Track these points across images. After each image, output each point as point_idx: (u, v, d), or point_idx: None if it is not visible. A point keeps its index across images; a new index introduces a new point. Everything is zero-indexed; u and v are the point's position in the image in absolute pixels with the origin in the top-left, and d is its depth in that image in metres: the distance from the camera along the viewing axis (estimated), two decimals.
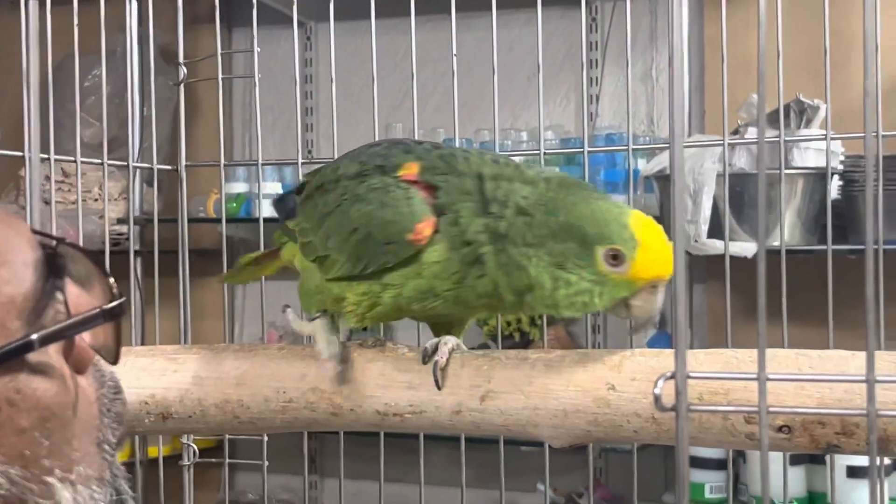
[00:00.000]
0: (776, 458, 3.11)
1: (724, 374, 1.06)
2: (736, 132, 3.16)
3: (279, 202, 1.60)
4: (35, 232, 0.84)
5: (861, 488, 2.95)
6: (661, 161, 3.15)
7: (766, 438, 0.87)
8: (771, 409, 0.91)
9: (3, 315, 0.78)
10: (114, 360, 0.86)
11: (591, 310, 1.27)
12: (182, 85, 1.97)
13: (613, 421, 1.29)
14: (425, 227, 1.31)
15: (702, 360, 1.26)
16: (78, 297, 0.83)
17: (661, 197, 3.12)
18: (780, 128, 2.64)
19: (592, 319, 3.70)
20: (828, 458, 3.01)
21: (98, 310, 0.82)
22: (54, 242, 0.85)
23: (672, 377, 0.94)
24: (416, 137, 3.68)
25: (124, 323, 0.86)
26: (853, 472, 2.94)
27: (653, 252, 1.24)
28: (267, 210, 3.62)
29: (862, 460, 2.92)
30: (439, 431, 1.39)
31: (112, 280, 0.84)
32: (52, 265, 0.82)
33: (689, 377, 0.94)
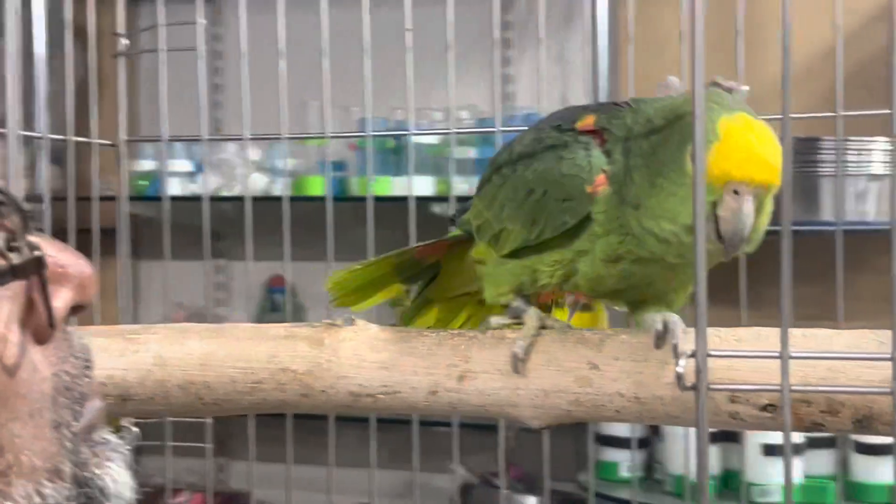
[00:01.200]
0: (694, 437, 3.15)
1: (744, 352, 1.05)
2: None
3: (460, 211, 1.48)
4: None
5: (775, 465, 3.00)
6: None
7: (789, 417, 0.87)
8: (794, 387, 0.91)
9: None
10: (48, 322, 0.74)
11: (685, 220, 1.14)
12: (122, 57, 1.91)
13: (595, 401, 1.28)
14: (604, 178, 1.23)
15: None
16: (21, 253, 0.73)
17: None
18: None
19: None
20: (743, 436, 3.06)
21: (6, 266, 0.71)
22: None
23: (693, 356, 0.93)
24: (328, 116, 3.65)
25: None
26: (769, 450, 2.99)
27: (732, 149, 1.10)
28: (175, 188, 3.54)
29: (776, 438, 2.98)
30: (413, 413, 1.37)
31: (32, 238, 0.73)
32: None
33: (709, 356, 0.93)
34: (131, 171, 3.40)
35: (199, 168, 3.60)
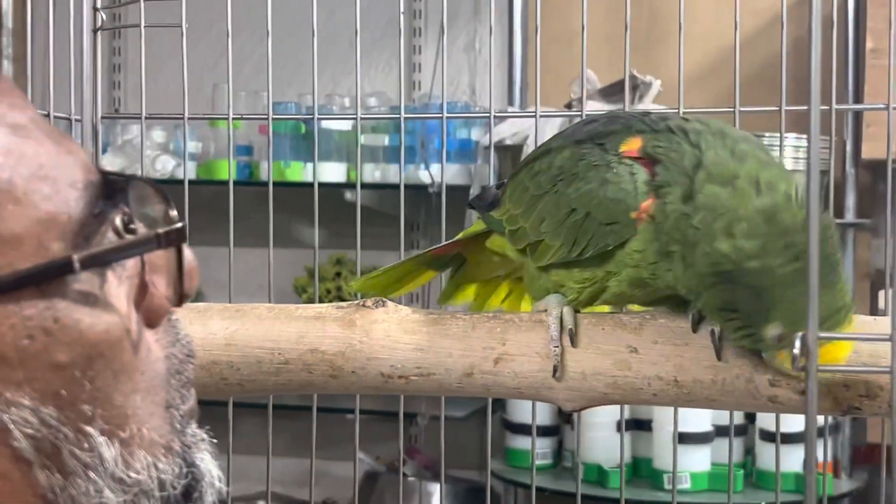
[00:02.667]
0: (604, 426, 3.21)
1: (854, 335, 1.08)
2: (569, 106, 3.22)
3: (478, 198, 1.45)
4: (104, 172, 0.76)
5: (686, 453, 3.07)
6: (500, 131, 3.18)
7: None
8: None
9: (41, 233, 0.69)
10: (177, 301, 0.78)
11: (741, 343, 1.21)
12: (100, 32, 1.84)
13: (633, 384, 1.30)
14: (650, 206, 1.21)
15: None
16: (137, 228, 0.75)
17: (501, 166, 3.16)
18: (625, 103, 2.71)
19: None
20: (656, 424, 3.13)
21: (153, 233, 0.73)
22: (123, 179, 0.76)
23: (804, 338, 0.96)
24: (236, 100, 3.59)
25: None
26: (680, 438, 3.05)
27: (840, 353, 1.13)
28: None
29: (689, 427, 3.05)
30: (446, 394, 1.36)
31: (175, 211, 0.75)
32: (110, 191, 0.74)
33: (819, 338, 0.95)
34: None
35: (104, 149, 3.51)
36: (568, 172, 1.29)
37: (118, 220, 0.74)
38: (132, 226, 0.74)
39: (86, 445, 0.71)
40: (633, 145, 1.25)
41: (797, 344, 0.94)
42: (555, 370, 1.29)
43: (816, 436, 2.73)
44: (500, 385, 1.33)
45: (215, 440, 0.83)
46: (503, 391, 1.33)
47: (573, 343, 1.29)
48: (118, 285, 0.74)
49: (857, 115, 3.24)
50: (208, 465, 0.81)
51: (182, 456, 0.78)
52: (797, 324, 1.07)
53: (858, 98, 3.20)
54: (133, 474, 0.73)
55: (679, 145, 1.22)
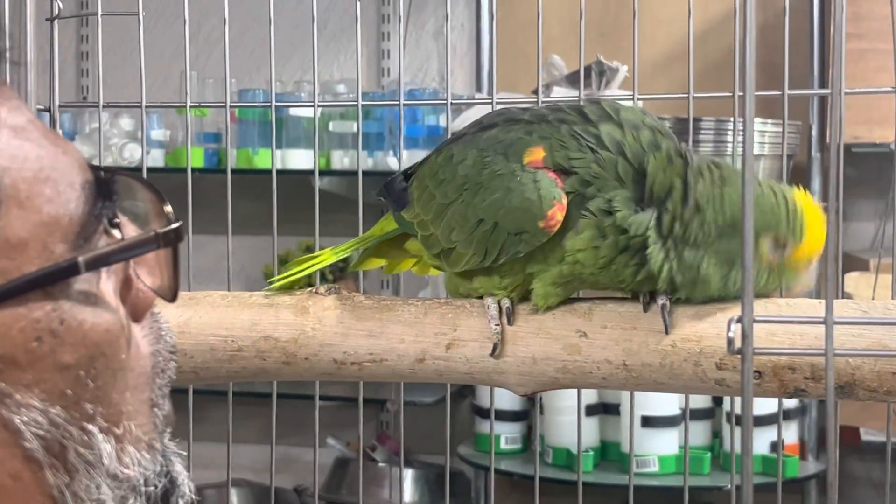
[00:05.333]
0: (573, 410, 3.22)
1: (789, 317, 1.09)
2: (535, 92, 3.23)
3: (386, 187, 1.46)
4: (92, 166, 0.76)
5: (654, 437, 3.09)
6: (467, 118, 3.18)
7: (832, 381, 0.91)
8: (837, 352, 0.95)
9: (45, 236, 0.70)
10: (171, 297, 0.78)
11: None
12: (63, 20, 1.84)
13: (583, 368, 1.31)
14: (557, 212, 1.24)
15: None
16: (132, 226, 0.76)
17: None
18: (592, 88, 2.72)
19: (381, 276, 3.72)
20: (624, 409, 3.15)
21: (152, 233, 0.74)
22: (109, 174, 0.77)
23: (739, 321, 0.97)
24: (203, 87, 3.59)
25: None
26: (646, 421, 3.08)
27: (811, 235, 1.25)
28: None
29: (656, 411, 3.07)
30: (398, 380, 1.38)
31: (169, 207, 0.76)
32: (104, 190, 0.75)
33: (755, 321, 0.97)
34: None
35: (71, 137, 3.51)
36: (473, 182, 1.31)
37: (114, 219, 0.75)
38: (116, 220, 0.75)
39: (89, 443, 0.72)
40: (536, 155, 1.28)
41: (732, 328, 0.95)
42: (494, 348, 1.30)
43: (782, 418, 2.76)
44: (452, 370, 1.34)
45: (177, 439, 0.84)
46: (455, 376, 1.35)
47: (509, 322, 1.31)
48: (107, 280, 0.74)
49: (822, 100, 3.26)
50: (182, 475, 0.82)
51: (162, 454, 0.79)
52: (779, 222, 1.24)
53: (824, 83, 3.21)
54: (125, 469, 0.74)
55: (592, 148, 1.27)
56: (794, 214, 1.25)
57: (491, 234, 1.29)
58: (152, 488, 0.77)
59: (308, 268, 1.46)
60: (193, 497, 0.82)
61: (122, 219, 0.76)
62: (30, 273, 0.69)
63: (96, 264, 0.72)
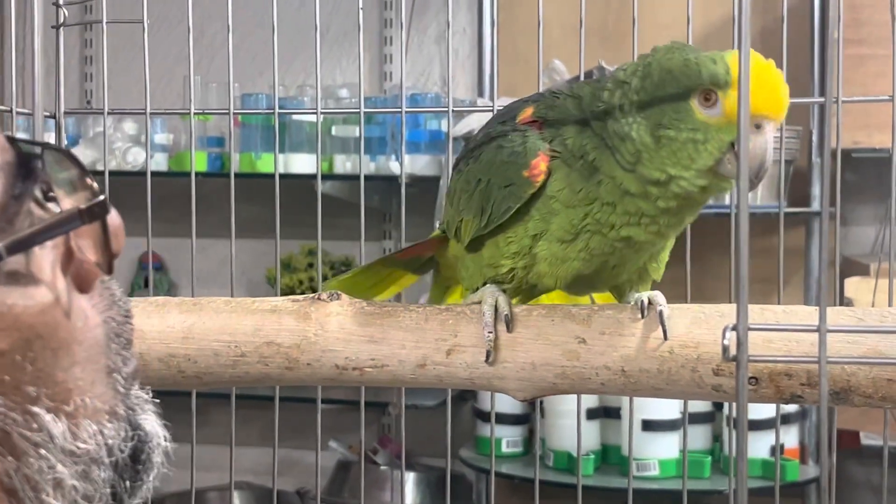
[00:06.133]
0: (574, 413, 3.23)
1: (783, 325, 1.11)
2: None
3: None
4: (14, 139, 0.75)
5: (654, 440, 3.11)
6: (469, 123, 3.20)
7: (826, 389, 0.92)
8: (830, 359, 0.97)
9: None
10: (107, 269, 0.77)
11: (703, 165, 1.20)
12: (62, 28, 1.85)
13: (582, 374, 1.33)
14: (540, 162, 1.27)
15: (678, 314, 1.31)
16: (69, 199, 0.75)
17: None
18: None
19: None
20: (624, 413, 3.16)
21: (75, 209, 0.73)
22: (37, 149, 0.76)
23: (734, 329, 0.98)
24: (207, 92, 3.60)
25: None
26: (647, 425, 3.09)
27: (758, 86, 1.14)
28: None
29: (656, 415, 3.08)
30: (400, 385, 1.39)
31: (93, 181, 0.75)
32: (26, 169, 0.74)
33: (749, 329, 0.98)
34: None
35: (75, 142, 3.52)
36: (476, 151, 1.36)
37: (38, 192, 0.74)
38: (51, 193, 0.74)
39: (34, 426, 0.72)
40: (526, 113, 1.33)
41: (727, 335, 0.97)
42: (487, 355, 1.32)
43: (783, 422, 2.76)
44: (452, 376, 1.35)
45: (169, 424, 0.83)
46: (456, 382, 1.36)
47: (509, 329, 1.32)
48: (43, 257, 0.73)
49: (823, 106, 3.27)
50: (153, 425, 0.81)
51: (127, 419, 0.79)
52: (702, 73, 1.19)
53: (824, 89, 3.23)
54: (81, 444, 0.74)
55: (561, 100, 1.30)
56: (718, 63, 1.18)
57: (485, 192, 1.33)
58: (118, 454, 0.77)
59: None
60: (167, 445, 0.82)
61: (59, 192, 0.75)
62: None
63: (19, 247, 0.71)
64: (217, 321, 1.39)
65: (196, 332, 1.38)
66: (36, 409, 0.72)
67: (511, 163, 1.30)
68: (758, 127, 1.19)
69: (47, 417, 0.72)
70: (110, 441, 0.76)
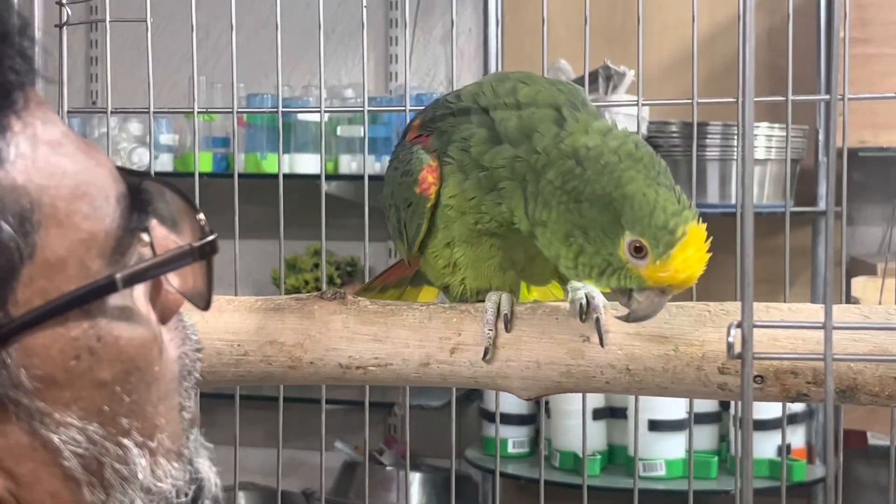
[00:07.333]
0: (580, 414, 3.23)
1: (789, 322, 1.10)
2: None
3: None
4: (119, 168, 0.75)
5: (661, 441, 3.10)
6: None
7: (831, 386, 0.91)
8: (836, 357, 0.96)
9: (82, 253, 0.70)
10: (205, 305, 0.77)
11: (601, 285, 1.20)
12: (65, 27, 1.85)
13: (586, 372, 1.32)
14: (427, 175, 1.28)
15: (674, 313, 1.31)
16: (166, 236, 0.75)
17: None
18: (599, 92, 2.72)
19: None
20: (631, 412, 3.14)
21: (188, 247, 0.73)
22: (139, 179, 0.76)
23: (739, 325, 0.97)
24: (212, 91, 3.60)
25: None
26: (653, 425, 3.09)
27: (680, 261, 1.14)
28: None
29: (663, 415, 3.08)
30: (403, 384, 1.38)
31: (202, 216, 0.75)
32: (137, 201, 0.74)
33: (754, 326, 0.97)
34: None
35: None
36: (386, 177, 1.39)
37: (149, 230, 0.74)
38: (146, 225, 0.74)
39: (125, 459, 0.72)
40: (414, 130, 1.34)
41: (732, 332, 0.96)
42: (485, 353, 1.31)
43: (790, 422, 2.75)
44: (456, 374, 1.35)
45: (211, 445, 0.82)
46: (460, 380, 1.35)
47: (507, 328, 1.31)
48: (139, 289, 0.74)
49: (829, 104, 3.26)
50: (207, 471, 0.81)
51: (190, 460, 0.79)
52: (647, 229, 1.13)
53: (829, 88, 3.22)
54: (158, 483, 0.74)
55: (465, 107, 1.28)
56: (671, 231, 1.14)
57: (397, 216, 1.34)
58: (183, 498, 0.77)
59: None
60: (219, 493, 0.81)
61: (152, 221, 0.75)
62: (69, 292, 0.69)
63: (133, 280, 0.71)
64: (220, 320, 1.38)
65: (198, 330, 1.36)
66: (127, 441, 0.72)
67: (404, 182, 1.31)
68: (662, 292, 1.18)
69: (135, 451, 0.73)
70: (178, 482, 0.76)
